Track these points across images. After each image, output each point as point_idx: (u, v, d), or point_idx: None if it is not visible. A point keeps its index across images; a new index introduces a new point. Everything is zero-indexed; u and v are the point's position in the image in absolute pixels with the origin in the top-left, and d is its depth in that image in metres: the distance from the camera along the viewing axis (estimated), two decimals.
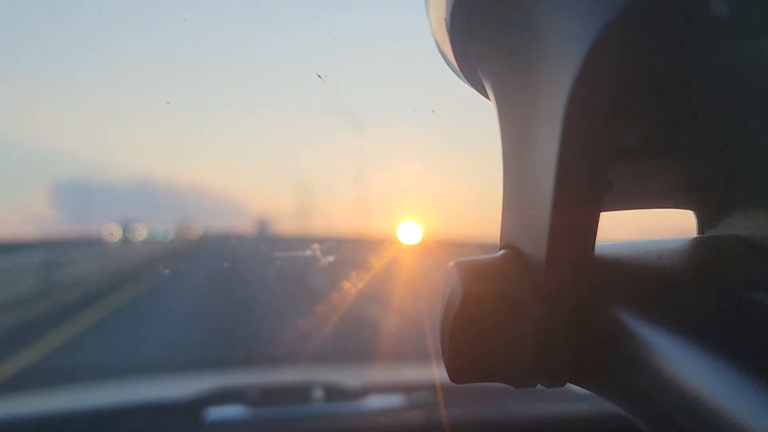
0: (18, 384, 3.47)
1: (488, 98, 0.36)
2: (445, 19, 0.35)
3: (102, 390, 2.15)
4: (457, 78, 0.40)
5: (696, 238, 0.35)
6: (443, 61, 0.41)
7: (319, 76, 0.85)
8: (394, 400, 1.43)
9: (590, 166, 0.28)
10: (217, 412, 1.37)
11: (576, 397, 1.34)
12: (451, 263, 0.33)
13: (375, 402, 1.43)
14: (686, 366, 0.24)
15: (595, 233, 0.29)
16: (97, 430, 1.33)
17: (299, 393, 1.48)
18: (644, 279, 0.31)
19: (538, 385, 0.32)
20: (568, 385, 0.32)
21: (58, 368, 3.90)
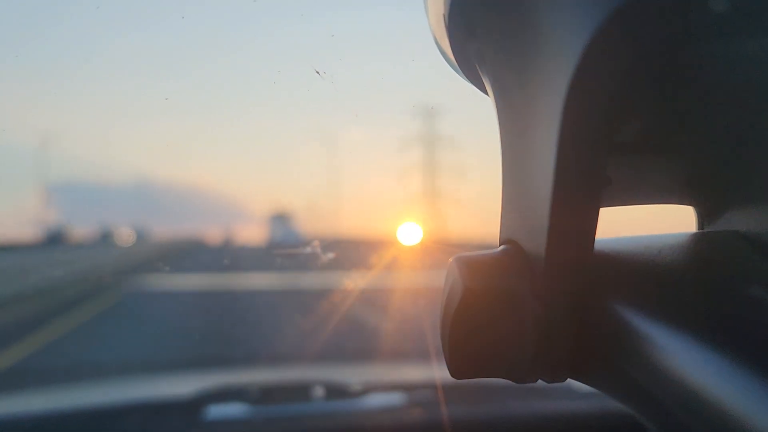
0: (16, 383, 3.47)
1: (487, 94, 0.37)
2: (444, 15, 0.35)
3: (101, 388, 2.15)
4: (456, 74, 0.40)
5: (695, 233, 0.35)
6: (442, 57, 0.41)
7: (318, 72, 0.85)
8: (394, 399, 1.43)
9: (589, 162, 0.28)
10: (217, 411, 1.37)
11: (577, 395, 1.34)
12: (451, 259, 0.33)
13: (376, 400, 1.43)
14: (685, 361, 0.24)
15: (595, 228, 0.29)
16: (97, 428, 1.33)
17: (300, 391, 1.48)
18: (643, 274, 0.31)
19: (539, 382, 0.32)
20: (569, 382, 0.32)
21: (56, 367, 3.90)
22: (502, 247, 0.33)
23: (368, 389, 1.46)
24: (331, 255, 1.82)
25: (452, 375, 0.32)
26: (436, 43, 0.40)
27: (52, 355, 4.52)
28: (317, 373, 1.85)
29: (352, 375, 1.79)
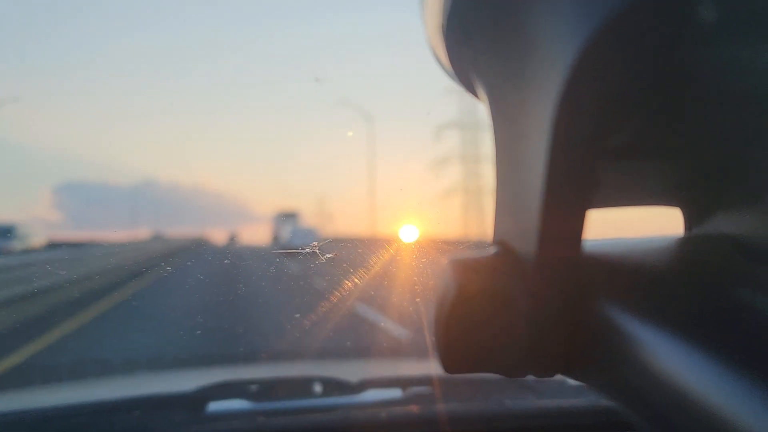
0: (21, 378, 3.46)
1: (481, 101, 0.38)
2: (441, 25, 0.36)
3: (104, 384, 2.16)
4: (452, 81, 0.42)
5: (682, 236, 0.36)
6: (438, 64, 0.42)
7: (317, 79, 0.86)
8: (392, 394, 1.44)
9: (579, 167, 0.29)
10: (219, 406, 1.38)
11: (570, 391, 1.36)
12: (445, 260, 0.34)
13: (373, 396, 1.45)
14: (670, 359, 0.25)
15: (584, 231, 0.30)
16: (99, 423, 1.34)
17: (299, 387, 1.49)
18: (631, 275, 0.32)
19: (531, 377, 0.33)
20: (564, 379, 0.34)
21: (60, 363, 3.89)
22: (494, 248, 0.34)
23: (366, 385, 1.47)
24: (329, 255, 1.83)
25: (445, 370, 0.33)
26: (432, 51, 0.41)
27: None
28: (316, 370, 1.86)
29: (350, 371, 1.80)
